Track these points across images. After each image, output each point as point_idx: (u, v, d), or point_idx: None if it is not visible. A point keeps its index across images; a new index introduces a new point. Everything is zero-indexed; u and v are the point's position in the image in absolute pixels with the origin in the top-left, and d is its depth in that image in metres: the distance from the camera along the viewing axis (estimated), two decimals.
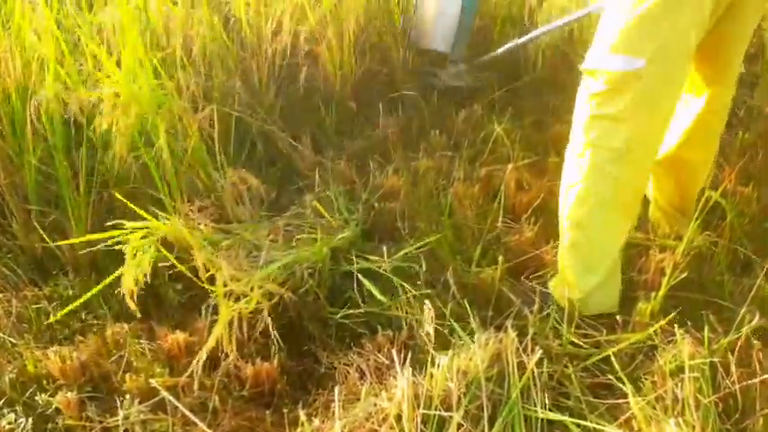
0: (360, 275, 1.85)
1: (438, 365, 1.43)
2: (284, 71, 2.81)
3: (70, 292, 1.92)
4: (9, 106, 2.18)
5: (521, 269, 1.96)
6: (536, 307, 1.69)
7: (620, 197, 1.70)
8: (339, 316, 1.78)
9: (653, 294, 1.73)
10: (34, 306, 1.87)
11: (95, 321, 1.85)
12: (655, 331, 1.62)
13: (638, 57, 1.58)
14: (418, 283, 1.83)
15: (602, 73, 1.62)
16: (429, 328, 1.58)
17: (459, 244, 2.05)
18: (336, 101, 2.78)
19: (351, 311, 1.77)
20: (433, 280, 1.87)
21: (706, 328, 1.57)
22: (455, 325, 1.65)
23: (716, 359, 1.50)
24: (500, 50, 2.90)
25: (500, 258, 1.85)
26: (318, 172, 2.34)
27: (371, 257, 1.92)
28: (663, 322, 1.62)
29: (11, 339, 1.78)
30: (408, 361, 1.46)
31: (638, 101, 1.61)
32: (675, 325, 1.58)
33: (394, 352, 1.53)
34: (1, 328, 1.81)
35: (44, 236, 2.03)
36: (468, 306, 1.70)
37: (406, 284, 1.80)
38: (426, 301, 1.61)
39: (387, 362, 1.59)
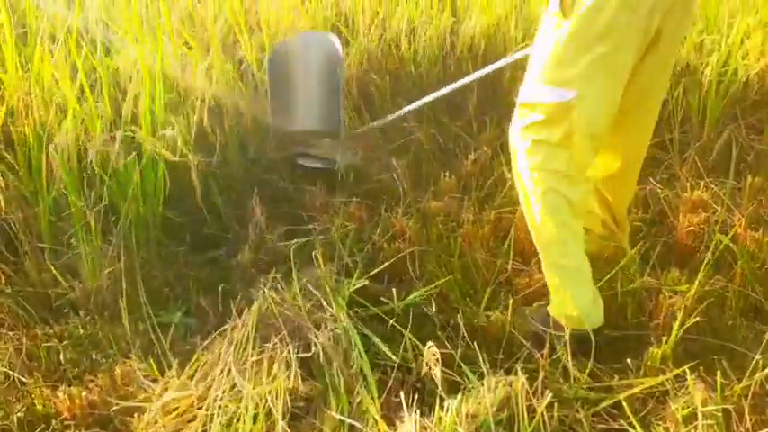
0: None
1: (447, 409, 1.42)
2: None
3: (81, 332, 1.92)
4: (26, 147, 2.23)
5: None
6: (546, 350, 1.68)
7: (574, 211, 1.78)
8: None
9: (664, 339, 1.71)
10: (45, 344, 1.87)
11: (104, 360, 1.84)
12: (667, 378, 1.60)
13: (569, 89, 1.66)
14: (427, 325, 1.83)
15: (538, 105, 1.71)
16: (437, 370, 1.57)
17: (469, 286, 2.05)
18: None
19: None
20: (443, 322, 1.86)
21: (719, 374, 1.55)
22: (465, 368, 1.64)
23: (729, 406, 1.48)
24: (376, 123, 2.81)
25: (510, 301, 1.85)
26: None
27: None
28: (677, 371, 1.60)
29: (20, 377, 1.78)
30: (417, 404, 1.45)
31: (573, 130, 1.69)
32: (687, 370, 1.56)
33: (402, 394, 1.52)
34: (11, 367, 1.81)
35: (56, 275, 2.05)
36: (477, 349, 1.69)
37: (415, 327, 1.79)
38: (433, 344, 1.60)
39: (396, 404, 1.57)
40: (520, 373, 1.50)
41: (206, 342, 1.78)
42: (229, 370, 1.62)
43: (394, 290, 1.94)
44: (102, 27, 2.75)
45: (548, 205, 1.75)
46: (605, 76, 1.68)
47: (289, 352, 1.63)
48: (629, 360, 1.71)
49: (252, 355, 1.64)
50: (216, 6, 3.01)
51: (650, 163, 2.70)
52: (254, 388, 1.56)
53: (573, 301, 1.78)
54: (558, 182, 1.73)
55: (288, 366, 1.60)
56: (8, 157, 2.25)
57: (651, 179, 2.56)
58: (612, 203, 2.08)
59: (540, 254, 1.84)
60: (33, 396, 1.72)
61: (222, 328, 1.78)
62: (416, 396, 1.54)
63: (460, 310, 1.86)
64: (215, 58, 2.71)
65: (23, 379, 1.78)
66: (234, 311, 1.82)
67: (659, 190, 2.49)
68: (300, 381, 1.60)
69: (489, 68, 2.51)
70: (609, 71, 1.68)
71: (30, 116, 2.20)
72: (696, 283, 1.88)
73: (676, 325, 1.72)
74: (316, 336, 1.67)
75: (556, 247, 1.80)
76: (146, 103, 2.24)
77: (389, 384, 1.63)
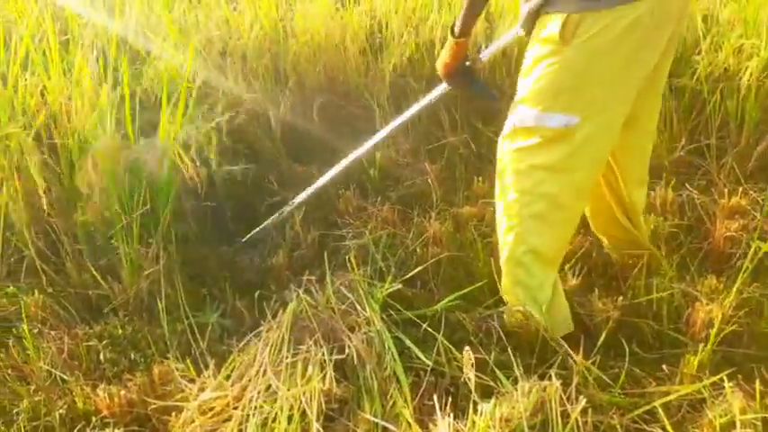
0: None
1: (480, 413, 1.42)
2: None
3: (120, 332, 1.96)
4: (68, 151, 2.28)
5: None
6: (580, 356, 1.67)
7: (553, 237, 1.81)
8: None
9: (701, 346, 1.69)
10: (85, 344, 1.92)
11: (142, 360, 1.88)
12: (704, 385, 1.58)
13: (573, 114, 1.66)
14: (460, 330, 1.83)
15: (538, 131, 1.71)
16: (471, 374, 1.57)
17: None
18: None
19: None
20: (477, 327, 1.86)
21: (757, 382, 1.52)
22: (498, 372, 1.64)
23: None
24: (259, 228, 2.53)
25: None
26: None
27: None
28: (714, 378, 1.58)
29: (62, 376, 1.82)
30: (450, 407, 1.45)
31: (574, 153, 1.69)
32: (725, 378, 1.54)
33: (435, 398, 1.52)
34: (53, 365, 1.85)
35: (97, 276, 2.10)
36: (511, 353, 1.68)
37: (448, 331, 1.80)
38: (467, 348, 1.60)
39: (429, 407, 1.58)
40: (554, 378, 1.49)
41: (242, 343, 1.81)
42: (265, 371, 1.64)
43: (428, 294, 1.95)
44: (141, 35, 2.81)
45: (528, 230, 1.78)
46: (611, 100, 1.68)
47: (323, 354, 1.64)
48: (665, 366, 1.69)
49: (287, 357, 1.66)
50: (252, 13, 3.05)
51: (687, 169, 2.68)
52: (288, 389, 1.58)
53: (529, 313, 1.80)
54: (544, 207, 1.75)
55: (322, 369, 1.62)
56: (50, 160, 2.31)
57: (688, 185, 2.53)
58: (627, 205, 2.06)
59: (502, 265, 1.87)
60: (74, 394, 1.76)
61: (257, 330, 1.81)
62: (450, 400, 1.54)
63: (495, 315, 1.86)
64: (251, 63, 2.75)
65: (65, 377, 1.82)
66: (269, 314, 1.85)
67: (696, 196, 2.46)
68: (334, 383, 1.61)
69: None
70: (614, 94, 1.68)
71: (71, 121, 2.26)
72: (734, 290, 1.85)
73: (713, 332, 1.70)
74: (349, 339, 1.68)
75: (522, 268, 1.82)
76: (180, 109, 2.28)
77: (423, 388, 1.64)
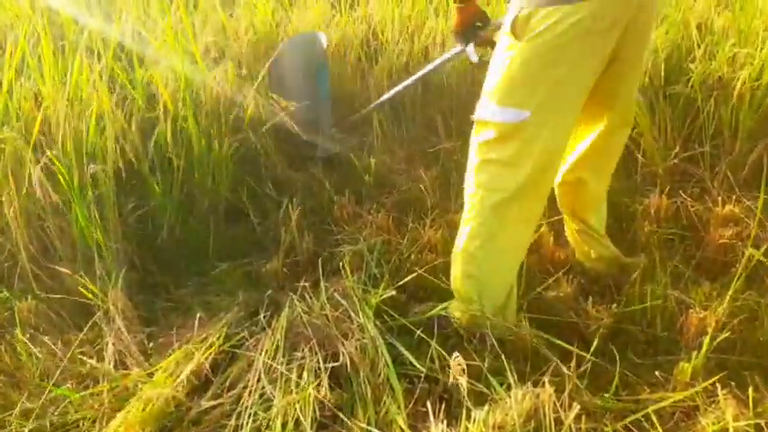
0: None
1: (473, 419, 1.42)
2: None
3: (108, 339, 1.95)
4: (66, 158, 2.28)
5: (559, 324, 1.95)
6: (573, 363, 1.67)
7: (508, 233, 1.83)
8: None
9: (694, 354, 1.69)
10: (78, 350, 1.91)
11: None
12: (697, 391, 1.58)
13: (524, 109, 1.70)
14: (454, 336, 1.83)
15: (492, 124, 1.75)
16: (462, 380, 1.57)
17: None
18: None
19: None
20: (471, 334, 1.86)
21: (750, 389, 1.53)
22: (492, 379, 1.64)
23: (761, 421, 1.46)
24: (365, 111, 2.94)
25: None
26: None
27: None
28: (706, 384, 1.58)
29: (53, 383, 1.82)
30: (444, 414, 1.45)
31: (525, 148, 1.73)
32: (718, 385, 1.54)
33: (429, 405, 1.52)
34: (45, 371, 1.84)
35: (87, 283, 2.10)
36: (505, 360, 1.68)
37: (441, 338, 1.80)
38: (458, 355, 1.60)
39: (423, 414, 1.57)
40: (547, 384, 1.49)
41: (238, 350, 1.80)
42: (259, 378, 1.63)
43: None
44: (137, 39, 2.81)
45: (481, 223, 1.82)
46: (561, 96, 1.72)
47: (318, 361, 1.64)
48: (658, 373, 1.70)
49: (282, 364, 1.65)
50: (248, 19, 3.06)
51: (681, 177, 2.69)
52: (283, 397, 1.57)
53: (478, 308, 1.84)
54: (499, 201, 1.78)
55: (317, 376, 1.61)
56: (48, 164, 2.31)
57: (682, 193, 2.54)
58: (578, 209, 2.13)
59: (453, 260, 1.92)
60: (67, 401, 1.75)
61: (254, 339, 1.80)
62: (443, 407, 1.53)
63: (488, 322, 1.86)
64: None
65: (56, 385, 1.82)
66: (262, 320, 1.84)
67: (690, 204, 2.47)
68: (328, 390, 1.61)
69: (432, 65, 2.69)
70: (564, 91, 1.71)
71: (67, 126, 2.25)
72: (727, 297, 1.86)
73: (707, 339, 1.70)
74: (343, 345, 1.68)
75: (474, 262, 1.85)
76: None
77: (416, 395, 1.64)
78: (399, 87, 2.77)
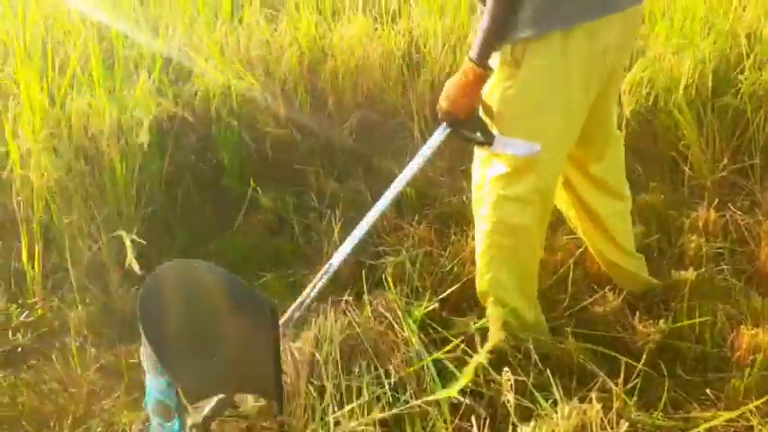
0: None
1: None
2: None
3: None
4: (112, 168, 2.33)
5: (605, 339, 1.92)
6: (621, 379, 1.65)
7: (531, 259, 1.87)
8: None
9: (746, 371, 1.65)
10: (126, 361, 1.94)
11: None
12: (750, 410, 1.54)
13: (535, 141, 1.67)
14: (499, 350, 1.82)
15: (504, 158, 1.73)
16: (510, 396, 1.56)
17: (543, 313, 2.02)
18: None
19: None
20: (515, 349, 1.84)
21: None
22: (537, 394, 1.62)
23: None
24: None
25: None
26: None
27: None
28: (758, 402, 1.54)
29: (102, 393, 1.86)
30: (489, 429, 1.44)
31: (541, 186, 1.73)
32: None
33: (474, 420, 1.51)
34: (94, 380, 1.88)
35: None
36: (550, 375, 1.66)
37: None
38: (507, 370, 1.59)
39: (468, 429, 1.56)
40: (594, 401, 1.47)
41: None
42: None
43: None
44: (184, 54, 2.87)
45: (502, 261, 1.83)
46: (568, 121, 1.72)
47: (373, 377, 1.64)
48: (708, 391, 1.66)
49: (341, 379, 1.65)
50: (291, 34, 3.10)
51: (730, 189, 2.64)
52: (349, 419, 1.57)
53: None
54: (516, 237, 1.79)
55: (373, 392, 1.61)
56: (96, 176, 2.36)
57: (731, 206, 2.49)
58: (610, 227, 2.06)
59: (486, 293, 1.90)
60: (114, 410, 1.79)
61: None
62: (488, 422, 1.52)
63: (532, 338, 1.84)
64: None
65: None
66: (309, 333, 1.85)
67: (740, 217, 2.42)
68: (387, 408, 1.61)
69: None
70: (570, 118, 1.71)
71: (120, 140, 2.31)
72: None
73: (760, 357, 1.66)
74: (389, 359, 1.68)
75: (495, 294, 1.86)
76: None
77: (462, 410, 1.63)
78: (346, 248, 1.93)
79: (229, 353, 1.51)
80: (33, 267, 2.17)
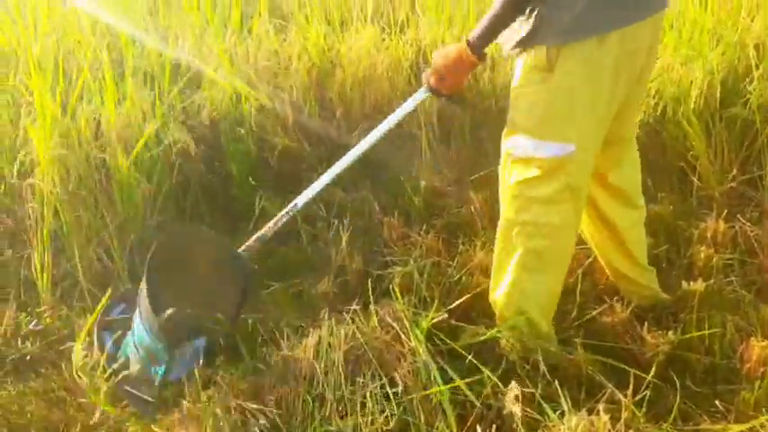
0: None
1: None
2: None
3: None
4: (120, 175, 2.34)
5: (614, 351, 1.91)
6: (630, 390, 1.64)
7: (556, 265, 1.84)
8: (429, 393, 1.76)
9: (756, 383, 1.64)
10: None
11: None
12: (762, 423, 1.53)
13: (569, 143, 1.68)
14: (506, 361, 1.81)
15: (536, 161, 1.71)
16: (516, 408, 1.55)
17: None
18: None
19: (442, 388, 1.76)
20: (523, 360, 1.84)
21: None
22: (545, 406, 1.62)
23: None
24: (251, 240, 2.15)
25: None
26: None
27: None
28: None
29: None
30: None
31: (572, 183, 1.72)
32: None
33: (479, 429, 1.51)
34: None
35: None
36: (558, 387, 1.66)
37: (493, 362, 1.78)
38: (512, 381, 1.59)
39: None
40: (602, 412, 1.47)
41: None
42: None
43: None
44: (194, 64, 2.88)
45: (530, 260, 1.80)
46: (599, 124, 1.72)
47: (377, 387, 1.63)
48: (718, 402, 1.65)
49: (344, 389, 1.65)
50: (300, 45, 3.11)
51: (739, 200, 2.63)
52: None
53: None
54: (546, 239, 1.77)
55: (377, 401, 1.61)
56: (105, 185, 2.38)
57: (740, 217, 2.48)
58: (627, 238, 2.06)
59: (502, 295, 1.89)
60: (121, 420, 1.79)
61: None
62: None
63: (540, 348, 1.83)
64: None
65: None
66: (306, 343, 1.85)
67: (749, 228, 2.41)
68: (379, 414, 1.61)
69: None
70: (601, 120, 1.72)
71: (129, 149, 2.32)
72: None
73: None
74: (396, 370, 1.67)
75: (523, 295, 1.84)
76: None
77: (469, 421, 1.62)
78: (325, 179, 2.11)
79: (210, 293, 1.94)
80: (43, 276, 2.18)
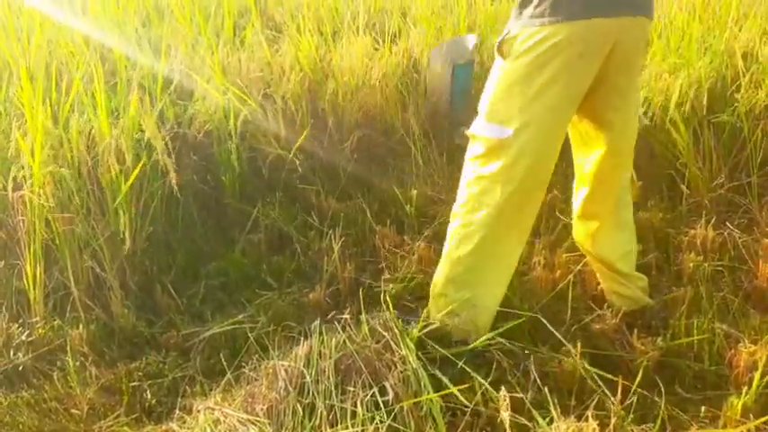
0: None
1: None
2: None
3: (161, 369, 2.00)
4: (112, 189, 2.35)
5: (603, 357, 1.92)
6: (618, 396, 1.65)
7: (496, 244, 1.88)
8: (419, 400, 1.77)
9: (744, 389, 1.65)
10: (127, 380, 1.95)
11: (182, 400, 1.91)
12: (749, 429, 1.54)
13: (507, 127, 1.78)
14: (497, 368, 1.82)
15: (480, 139, 1.83)
16: (505, 414, 1.56)
17: (540, 331, 2.03)
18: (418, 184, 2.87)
19: (431, 396, 1.77)
20: (513, 367, 1.85)
21: None
22: (534, 412, 1.62)
23: None
24: None
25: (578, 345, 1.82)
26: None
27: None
28: (759, 422, 1.54)
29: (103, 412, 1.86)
30: None
31: (510, 165, 1.79)
32: None
33: None
34: (94, 399, 1.89)
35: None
36: (548, 394, 1.67)
37: (484, 370, 1.79)
38: (502, 388, 1.59)
39: None
40: (591, 418, 1.47)
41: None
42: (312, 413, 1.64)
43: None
44: (186, 76, 2.90)
45: (470, 234, 1.87)
46: (541, 116, 1.77)
47: (366, 395, 1.64)
48: (706, 409, 1.66)
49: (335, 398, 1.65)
50: (292, 55, 3.13)
51: (728, 207, 2.65)
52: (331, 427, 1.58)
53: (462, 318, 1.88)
54: (487, 214, 1.84)
55: (368, 409, 1.61)
56: (94, 197, 2.38)
57: (729, 224, 2.50)
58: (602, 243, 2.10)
59: (441, 264, 1.95)
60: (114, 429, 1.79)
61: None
62: None
63: (531, 355, 1.84)
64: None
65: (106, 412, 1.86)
66: (305, 350, 1.85)
67: (737, 235, 2.43)
68: (369, 422, 1.61)
69: None
70: (544, 111, 1.77)
71: (120, 161, 2.33)
72: None
73: (757, 375, 1.66)
74: (386, 377, 1.68)
75: (461, 265, 1.89)
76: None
77: (459, 427, 1.63)
78: None
79: None
80: (35, 287, 2.19)
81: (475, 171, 1.86)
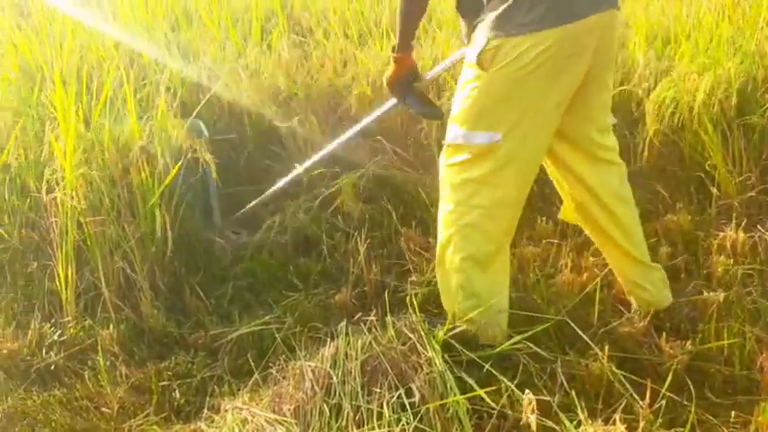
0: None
1: None
2: None
3: (191, 369, 2.03)
4: (142, 191, 2.39)
5: (631, 360, 1.91)
6: (647, 400, 1.64)
7: (490, 245, 1.91)
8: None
9: None
10: (157, 381, 1.98)
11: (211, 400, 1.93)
12: None
13: (496, 132, 1.80)
14: (524, 371, 1.82)
15: (465, 147, 1.85)
16: (532, 417, 1.55)
17: (567, 334, 2.02)
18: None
19: (458, 398, 1.77)
20: (540, 370, 1.84)
21: None
22: (562, 416, 1.62)
23: None
24: (253, 203, 2.83)
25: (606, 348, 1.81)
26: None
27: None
28: None
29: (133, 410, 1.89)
30: None
31: (498, 167, 1.83)
32: None
33: None
34: (124, 398, 1.92)
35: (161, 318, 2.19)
36: (575, 397, 1.66)
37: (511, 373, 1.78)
38: (528, 391, 1.59)
39: None
40: (619, 422, 1.46)
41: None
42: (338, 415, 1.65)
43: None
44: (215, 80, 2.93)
45: (461, 238, 1.89)
46: (531, 120, 1.81)
47: (394, 397, 1.64)
48: (736, 414, 1.64)
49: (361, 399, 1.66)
50: (318, 60, 3.16)
51: (758, 209, 2.61)
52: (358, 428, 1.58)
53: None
54: (478, 216, 1.86)
55: (394, 411, 1.62)
56: (128, 199, 2.42)
57: (759, 226, 2.46)
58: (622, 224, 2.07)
59: (441, 276, 1.99)
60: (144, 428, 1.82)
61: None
62: None
63: (558, 358, 1.84)
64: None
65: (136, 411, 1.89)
66: (332, 352, 1.86)
67: None
68: (395, 424, 1.61)
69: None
70: (534, 115, 1.80)
71: (149, 163, 2.36)
72: None
73: None
74: (412, 380, 1.68)
75: (462, 273, 1.91)
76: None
77: (486, 430, 1.63)
78: (315, 158, 2.69)
79: None
80: (67, 287, 2.23)
81: (460, 176, 1.88)
